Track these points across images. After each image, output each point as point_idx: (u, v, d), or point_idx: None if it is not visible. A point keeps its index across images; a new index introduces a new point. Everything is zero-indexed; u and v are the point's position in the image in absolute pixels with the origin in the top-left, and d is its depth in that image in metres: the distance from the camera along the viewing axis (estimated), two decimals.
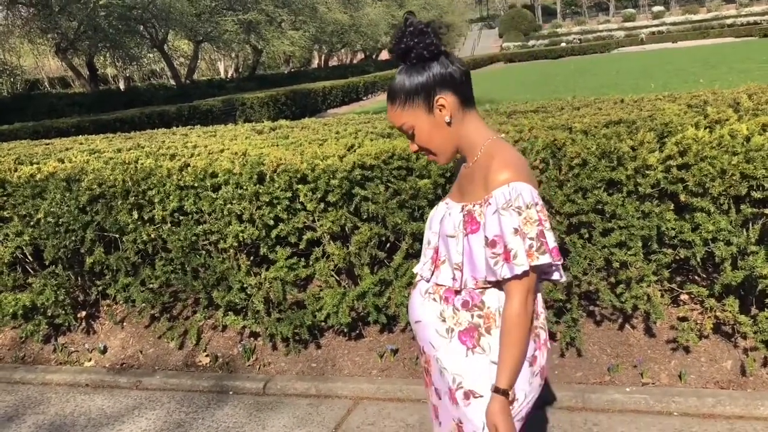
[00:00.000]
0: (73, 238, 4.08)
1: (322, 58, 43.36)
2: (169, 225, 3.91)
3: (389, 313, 3.73)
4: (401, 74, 1.75)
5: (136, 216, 3.96)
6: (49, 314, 4.30)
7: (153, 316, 4.38)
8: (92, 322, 4.54)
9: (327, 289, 3.76)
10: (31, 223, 4.14)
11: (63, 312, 4.30)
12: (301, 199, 3.65)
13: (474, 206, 1.75)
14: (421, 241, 3.62)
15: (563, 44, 61.12)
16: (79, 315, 4.52)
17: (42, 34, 24.92)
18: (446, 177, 3.51)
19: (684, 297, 3.64)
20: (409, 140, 1.82)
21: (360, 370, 3.84)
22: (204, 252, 3.93)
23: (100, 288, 4.37)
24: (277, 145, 4.23)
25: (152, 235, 3.94)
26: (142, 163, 4.01)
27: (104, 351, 4.33)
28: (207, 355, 4.13)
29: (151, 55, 31.50)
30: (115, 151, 4.79)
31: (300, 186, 3.64)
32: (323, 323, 3.88)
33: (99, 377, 4.10)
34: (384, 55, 51.83)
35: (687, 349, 3.45)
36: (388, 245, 3.80)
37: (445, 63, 1.73)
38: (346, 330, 3.97)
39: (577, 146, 3.28)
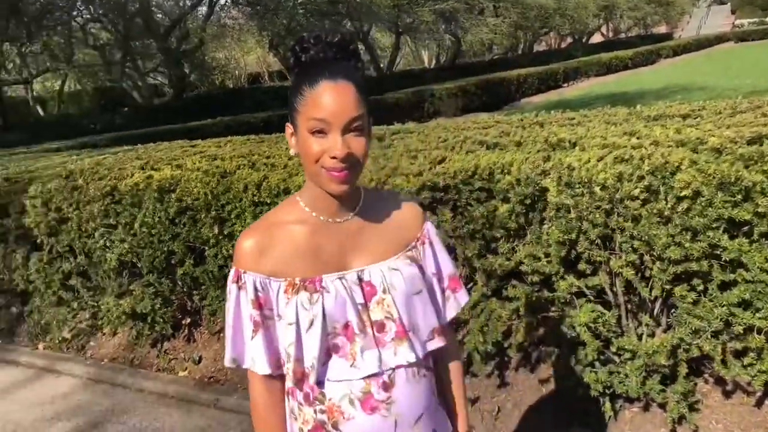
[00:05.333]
0: (165, 249, 4.07)
1: (526, 44, 41.99)
2: None
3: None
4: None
5: (216, 231, 3.84)
6: (149, 321, 4.37)
7: None
8: (194, 330, 4.55)
9: None
10: (132, 232, 4.20)
11: (161, 320, 4.35)
12: None
13: (408, 251, 1.54)
14: (499, 278, 3.08)
15: None
16: (184, 322, 4.56)
17: (258, 32, 26.94)
18: (526, 204, 2.92)
19: None
20: (338, 140, 1.34)
21: None
22: None
23: (197, 298, 4.35)
24: (369, 156, 3.87)
25: (231, 252, 3.80)
26: (226, 177, 3.89)
27: (198, 361, 4.32)
28: None
29: (360, 47, 32.68)
30: (227, 158, 4.74)
31: None
32: None
33: (184, 390, 4.08)
34: (595, 39, 48.97)
35: None
36: None
37: None
38: None
39: (688, 173, 2.52)
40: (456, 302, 1.60)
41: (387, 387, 1.44)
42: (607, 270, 2.80)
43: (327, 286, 1.42)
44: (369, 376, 1.43)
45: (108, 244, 4.36)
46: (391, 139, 4.70)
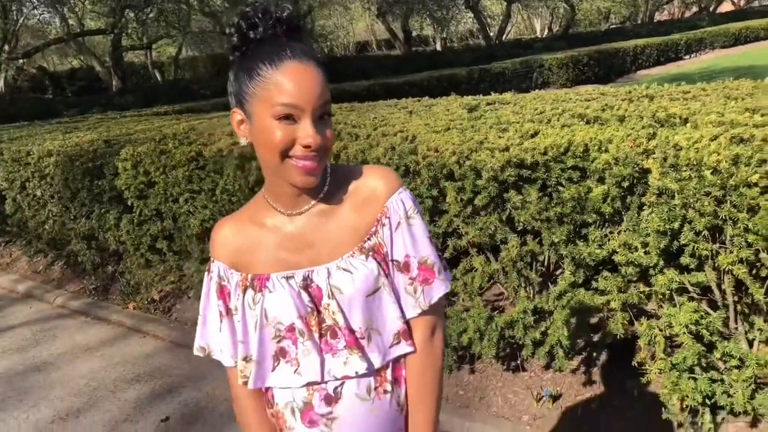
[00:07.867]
0: None
1: (647, 13, 39.65)
2: None
3: (545, 351, 2.97)
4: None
5: None
6: None
7: None
8: None
9: (473, 309, 3.11)
10: (213, 198, 4.17)
11: None
12: (448, 199, 3.03)
13: (368, 240, 1.30)
14: (589, 267, 2.79)
15: None
16: None
17: None
18: (623, 187, 2.59)
19: None
20: (309, 127, 1.16)
21: (510, 411, 3.14)
22: None
23: None
24: (456, 128, 3.62)
25: None
26: None
27: None
28: None
29: (468, 16, 31.98)
30: None
31: (447, 183, 3.03)
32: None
33: None
34: (724, 7, 45.52)
35: None
36: (543, 269, 3.01)
37: None
38: (503, 355, 3.29)
39: None
40: (425, 296, 1.31)
41: (330, 400, 1.30)
42: (714, 265, 2.45)
43: (272, 286, 1.29)
44: (311, 385, 1.30)
45: (191, 210, 4.35)
46: (483, 110, 4.42)
